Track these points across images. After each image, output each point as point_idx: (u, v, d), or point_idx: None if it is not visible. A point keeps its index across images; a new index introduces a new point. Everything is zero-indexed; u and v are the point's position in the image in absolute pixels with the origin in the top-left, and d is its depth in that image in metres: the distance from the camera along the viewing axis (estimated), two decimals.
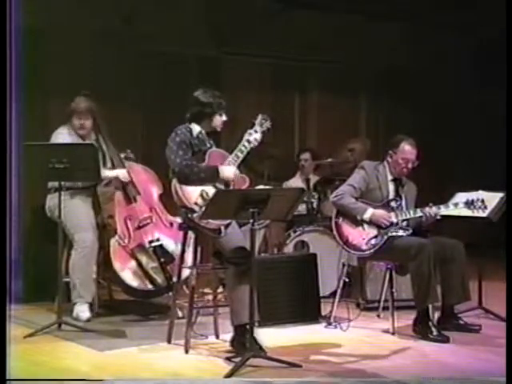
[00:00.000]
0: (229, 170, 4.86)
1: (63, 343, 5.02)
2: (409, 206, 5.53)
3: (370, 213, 5.39)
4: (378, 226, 5.38)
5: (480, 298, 5.93)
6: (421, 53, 9.24)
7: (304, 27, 8.60)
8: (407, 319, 5.43)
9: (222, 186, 4.83)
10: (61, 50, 7.18)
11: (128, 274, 5.76)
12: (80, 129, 5.89)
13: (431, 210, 5.38)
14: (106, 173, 5.83)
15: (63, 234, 5.46)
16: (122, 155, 6.05)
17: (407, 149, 5.51)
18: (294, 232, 6.75)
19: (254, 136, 4.97)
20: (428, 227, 5.53)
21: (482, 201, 5.34)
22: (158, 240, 5.88)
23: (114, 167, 5.98)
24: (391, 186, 5.58)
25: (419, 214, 5.40)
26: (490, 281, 6.12)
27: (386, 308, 5.71)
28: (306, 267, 5.91)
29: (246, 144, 4.94)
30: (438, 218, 5.68)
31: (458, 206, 5.39)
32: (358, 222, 5.42)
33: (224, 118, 5.03)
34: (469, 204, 5.34)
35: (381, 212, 5.40)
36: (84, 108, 5.86)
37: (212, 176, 4.82)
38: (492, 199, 5.56)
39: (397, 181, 5.59)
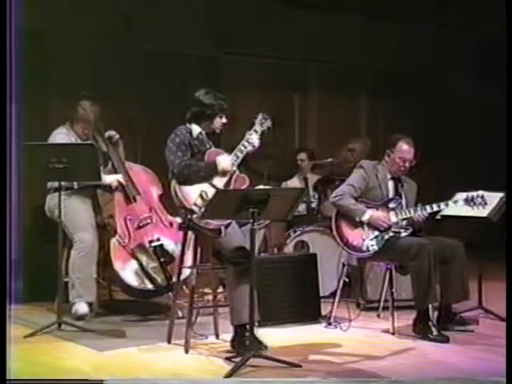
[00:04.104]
0: (225, 161, 4.85)
1: (63, 343, 5.02)
2: (409, 204, 5.52)
3: (368, 215, 5.38)
4: (378, 228, 5.38)
5: (480, 298, 5.93)
6: (421, 53, 9.25)
7: (304, 27, 8.60)
8: (407, 319, 5.43)
9: (221, 184, 4.82)
10: (61, 50, 7.19)
11: (128, 273, 5.76)
12: (83, 135, 5.93)
13: (423, 212, 5.37)
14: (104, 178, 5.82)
15: (63, 233, 5.46)
16: (106, 134, 6.02)
17: (405, 148, 5.51)
18: (294, 232, 6.75)
19: (254, 136, 4.97)
20: (421, 227, 5.53)
21: (482, 196, 5.32)
22: (158, 240, 5.88)
23: (113, 167, 5.98)
24: (391, 185, 5.57)
25: (419, 212, 5.39)
26: (490, 281, 6.12)
27: (386, 308, 5.71)
28: (306, 267, 5.90)
29: (246, 144, 4.94)
30: (438, 217, 5.69)
31: (457, 203, 5.38)
32: (357, 223, 5.42)
33: (224, 120, 5.03)
34: (468, 201, 5.33)
35: (379, 214, 5.39)
36: (91, 118, 5.88)
37: (212, 172, 4.82)
38: (492, 199, 5.56)
39: (396, 179, 5.59)
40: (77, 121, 5.92)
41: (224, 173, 4.85)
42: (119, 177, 5.93)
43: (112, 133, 6.07)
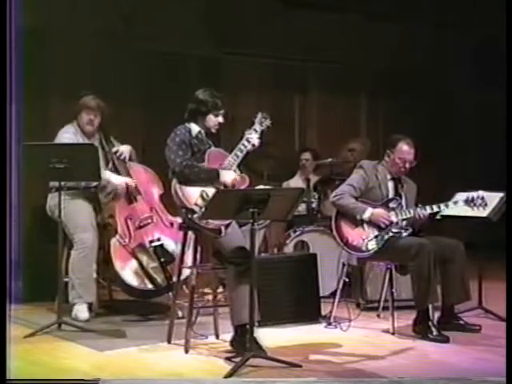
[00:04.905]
0: (229, 175, 4.84)
1: (63, 343, 5.02)
2: (409, 205, 5.52)
3: (369, 212, 5.38)
4: (378, 226, 5.38)
5: (480, 298, 5.93)
6: (421, 53, 9.25)
7: (304, 27, 8.60)
8: (407, 319, 5.43)
9: (221, 186, 4.83)
10: (61, 50, 7.19)
11: (128, 273, 5.76)
12: (88, 124, 5.88)
13: (423, 211, 5.37)
14: (108, 176, 5.82)
15: (63, 233, 5.46)
16: (114, 149, 6.02)
17: (405, 149, 5.50)
18: (294, 232, 6.74)
19: (253, 135, 4.97)
20: (421, 227, 5.53)
21: (482, 198, 5.32)
22: (158, 240, 5.88)
23: (114, 166, 5.98)
24: (390, 185, 5.57)
25: (419, 212, 5.39)
26: (490, 281, 6.12)
27: (386, 308, 5.71)
28: (306, 267, 5.90)
29: (246, 143, 4.94)
30: (438, 217, 5.69)
31: (457, 203, 5.38)
32: (357, 223, 5.42)
33: (220, 119, 5.01)
34: (469, 202, 5.33)
35: (380, 211, 5.40)
36: (95, 104, 5.87)
37: (212, 178, 4.82)
38: (492, 199, 5.56)
39: (396, 180, 5.59)
40: (80, 111, 5.89)
41: (224, 185, 4.84)
42: (129, 180, 5.92)
43: (123, 148, 6.04)
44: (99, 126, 5.97)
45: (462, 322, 5.47)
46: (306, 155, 7.61)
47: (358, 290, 6.19)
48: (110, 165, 6.00)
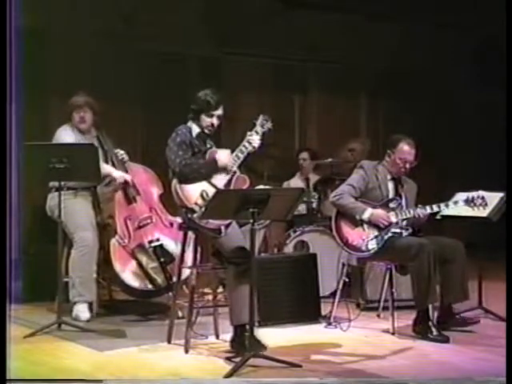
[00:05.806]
0: (225, 156, 4.85)
1: (63, 343, 5.02)
2: (409, 205, 5.52)
3: (368, 213, 5.38)
4: (378, 226, 5.38)
5: (480, 298, 5.93)
6: (421, 53, 9.25)
7: (304, 27, 8.60)
8: (407, 319, 5.43)
9: (222, 184, 4.82)
10: (61, 50, 7.19)
11: (128, 273, 5.77)
12: (80, 122, 5.88)
13: (423, 211, 5.37)
14: (110, 169, 5.83)
15: (63, 233, 5.46)
16: (115, 151, 6.04)
17: (406, 149, 5.49)
18: (294, 232, 6.75)
19: (254, 137, 4.96)
20: (420, 227, 5.53)
21: (483, 198, 5.31)
22: (157, 240, 5.88)
23: (113, 166, 5.98)
24: (391, 185, 5.57)
25: (419, 212, 5.39)
26: (490, 281, 6.12)
27: (386, 308, 5.71)
28: (306, 267, 5.90)
29: (247, 145, 4.93)
30: (438, 217, 5.69)
31: (457, 203, 5.38)
32: (357, 223, 5.41)
33: (214, 120, 4.94)
34: (469, 201, 5.33)
35: (380, 212, 5.39)
36: (82, 101, 5.87)
37: (213, 169, 4.83)
38: (492, 199, 5.56)
39: (396, 180, 5.59)
40: (71, 112, 5.88)
41: (225, 168, 4.84)
42: (127, 176, 5.93)
43: (121, 151, 6.07)
44: (95, 124, 5.96)
45: (459, 318, 5.47)
46: (304, 155, 7.61)
47: (357, 290, 6.19)
48: (110, 164, 6.00)
